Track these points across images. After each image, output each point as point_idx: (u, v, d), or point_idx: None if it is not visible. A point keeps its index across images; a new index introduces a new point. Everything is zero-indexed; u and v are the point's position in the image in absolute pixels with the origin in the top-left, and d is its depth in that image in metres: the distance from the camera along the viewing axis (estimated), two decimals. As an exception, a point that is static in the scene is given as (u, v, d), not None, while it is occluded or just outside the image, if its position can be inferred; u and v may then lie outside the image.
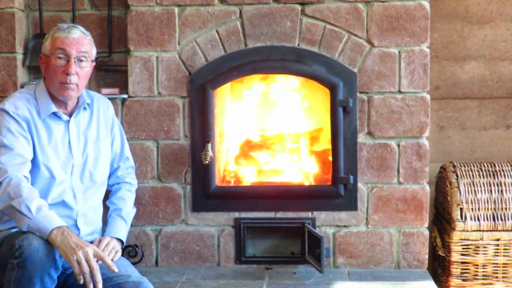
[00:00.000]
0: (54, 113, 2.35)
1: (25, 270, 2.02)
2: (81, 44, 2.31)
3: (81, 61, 2.32)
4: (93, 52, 2.39)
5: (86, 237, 2.40)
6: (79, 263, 2.02)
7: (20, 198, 2.10)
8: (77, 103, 2.42)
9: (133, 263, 2.72)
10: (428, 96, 2.97)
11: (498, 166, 3.07)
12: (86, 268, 2.02)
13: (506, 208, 2.97)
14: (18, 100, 2.32)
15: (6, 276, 2.06)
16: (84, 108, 2.45)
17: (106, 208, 2.57)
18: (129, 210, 2.57)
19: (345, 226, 3.02)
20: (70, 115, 2.40)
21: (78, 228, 2.37)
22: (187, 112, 3.02)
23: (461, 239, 2.98)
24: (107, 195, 2.60)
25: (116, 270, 2.10)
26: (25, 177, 2.20)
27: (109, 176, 2.59)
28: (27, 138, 2.27)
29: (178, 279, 2.88)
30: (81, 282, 2.04)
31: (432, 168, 3.21)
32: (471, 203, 2.98)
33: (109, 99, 2.91)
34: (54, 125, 2.35)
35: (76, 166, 2.38)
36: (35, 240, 2.04)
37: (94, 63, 2.41)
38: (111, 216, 2.52)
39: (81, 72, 2.32)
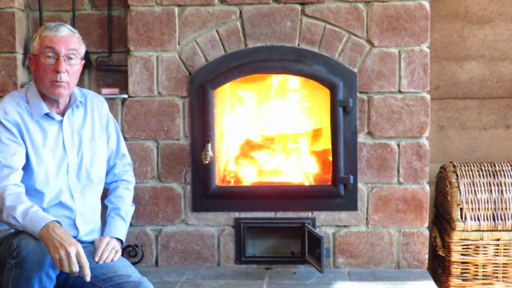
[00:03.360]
0: (47, 114, 2.34)
1: (23, 270, 2.02)
2: (69, 41, 2.31)
3: (71, 58, 2.31)
4: (82, 49, 2.38)
5: (85, 237, 2.41)
6: (61, 262, 2.00)
7: (5, 211, 2.10)
8: (69, 101, 2.42)
9: (133, 263, 2.72)
10: (428, 96, 2.97)
11: (498, 166, 3.07)
12: (67, 268, 2.01)
13: (506, 208, 2.97)
14: (7, 104, 2.31)
15: (5, 276, 2.06)
16: (77, 106, 2.44)
17: (104, 207, 2.57)
18: (127, 209, 2.56)
19: (345, 226, 3.02)
20: (63, 114, 2.39)
21: (77, 228, 2.38)
22: (187, 112, 3.02)
23: (461, 239, 2.98)
24: (105, 193, 2.60)
25: (88, 279, 2.07)
26: (13, 184, 2.18)
27: (106, 174, 2.58)
28: (18, 143, 2.26)
29: (178, 279, 2.88)
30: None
31: (432, 168, 3.21)
32: (471, 203, 2.98)
33: (109, 99, 2.93)
34: (47, 126, 2.35)
35: (71, 165, 2.37)
36: (32, 240, 2.04)
37: (83, 61, 2.40)
38: (109, 216, 2.51)
39: (71, 70, 2.31)
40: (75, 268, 2.01)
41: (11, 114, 2.28)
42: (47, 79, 2.29)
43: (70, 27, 2.37)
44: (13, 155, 2.23)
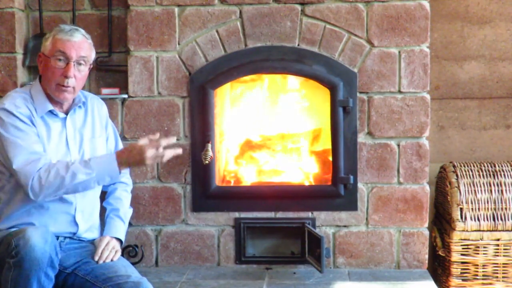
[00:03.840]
0: (51, 111, 2.36)
1: (22, 270, 2.03)
2: (81, 48, 2.32)
3: (80, 64, 2.32)
4: (92, 55, 2.40)
5: (84, 233, 2.42)
6: (154, 159, 2.21)
7: (68, 175, 2.16)
8: (73, 101, 2.43)
9: (133, 263, 2.72)
10: (428, 96, 2.97)
11: (498, 166, 3.07)
12: (159, 157, 2.22)
13: (506, 208, 2.97)
14: (16, 99, 2.32)
15: (3, 276, 2.07)
16: (80, 107, 2.46)
17: (103, 209, 2.57)
18: (126, 210, 2.58)
19: (345, 226, 3.02)
20: (66, 113, 2.41)
21: (76, 224, 2.38)
22: (187, 112, 3.02)
23: (461, 239, 2.98)
24: (103, 195, 2.60)
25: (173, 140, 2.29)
26: (49, 162, 2.21)
27: None
28: (35, 132, 2.28)
29: (178, 279, 2.88)
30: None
31: (432, 168, 3.21)
32: (471, 203, 2.98)
33: (109, 99, 2.94)
34: (51, 122, 2.36)
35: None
36: (31, 239, 2.04)
37: (91, 66, 2.42)
38: (108, 217, 2.52)
39: (78, 75, 2.33)
40: (164, 154, 2.22)
41: (22, 107, 2.29)
42: (54, 82, 2.31)
43: (84, 32, 2.37)
44: (35, 142, 2.25)
